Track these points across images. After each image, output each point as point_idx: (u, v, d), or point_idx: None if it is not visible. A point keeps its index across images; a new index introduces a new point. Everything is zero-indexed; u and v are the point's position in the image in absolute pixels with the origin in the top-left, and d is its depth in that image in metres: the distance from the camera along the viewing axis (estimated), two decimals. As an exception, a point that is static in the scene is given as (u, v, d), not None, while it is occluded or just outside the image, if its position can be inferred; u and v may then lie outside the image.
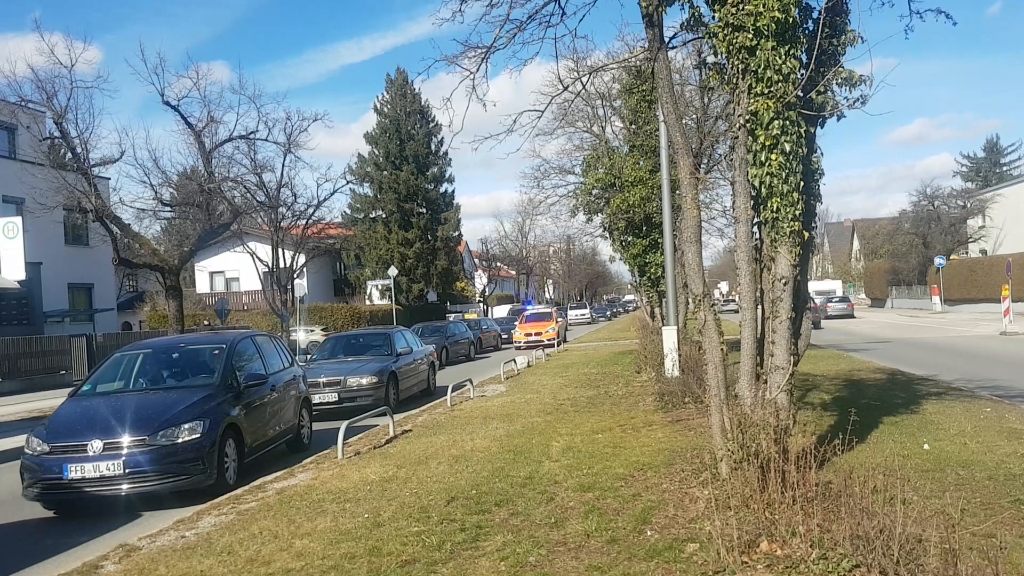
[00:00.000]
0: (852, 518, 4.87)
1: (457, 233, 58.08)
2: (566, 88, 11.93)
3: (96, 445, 8.37)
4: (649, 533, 5.98)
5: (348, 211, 54.03)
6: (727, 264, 70.73)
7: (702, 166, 20.70)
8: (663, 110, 8.92)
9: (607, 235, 22.23)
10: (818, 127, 7.39)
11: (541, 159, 32.38)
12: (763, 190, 6.90)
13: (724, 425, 6.85)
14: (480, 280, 69.28)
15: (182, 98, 23.66)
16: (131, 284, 53.34)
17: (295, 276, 36.29)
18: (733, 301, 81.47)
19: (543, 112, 11.30)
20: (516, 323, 40.13)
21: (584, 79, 13.66)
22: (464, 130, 9.58)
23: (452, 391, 15.73)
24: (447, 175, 56.59)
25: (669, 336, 15.19)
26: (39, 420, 12.44)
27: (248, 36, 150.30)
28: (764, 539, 5.22)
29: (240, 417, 9.63)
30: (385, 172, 52.98)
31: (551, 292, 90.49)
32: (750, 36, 6.71)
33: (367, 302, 50.58)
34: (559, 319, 39.92)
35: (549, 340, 34.74)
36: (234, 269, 48.25)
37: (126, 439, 8.45)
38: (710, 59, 7.61)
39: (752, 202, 7.10)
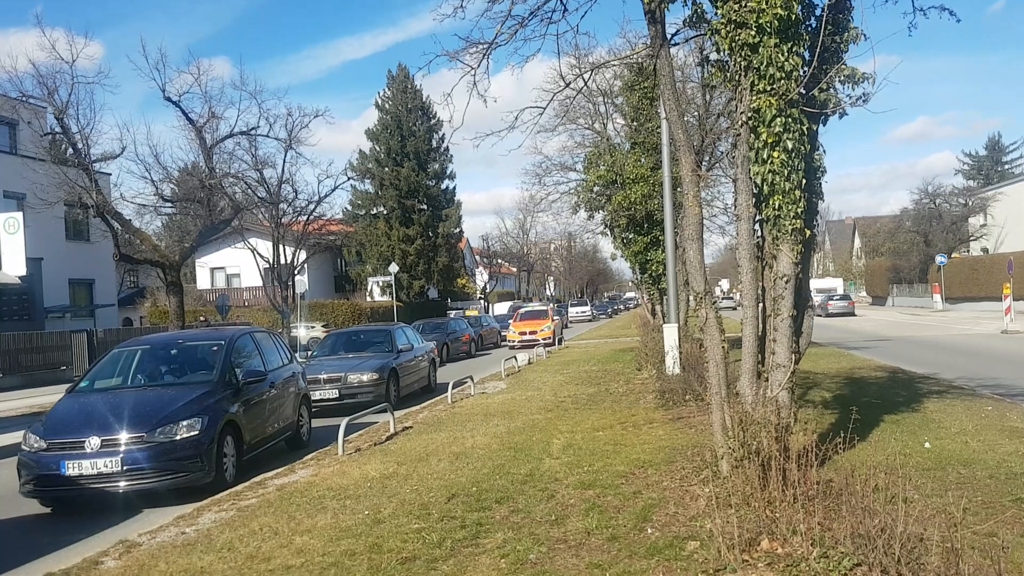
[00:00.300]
0: (853, 516, 4.85)
1: (458, 230, 58.09)
2: (568, 85, 11.94)
3: (94, 442, 8.33)
4: (650, 531, 5.97)
5: (349, 207, 54.03)
6: (728, 262, 70.72)
7: (704, 163, 20.67)
8: (665, 107, 8.90)
9: (608, 232, 22.22)
10: (820, 124, 7.36)
11: (543, 156, 32.28)
12: (765, 188, 6.88)
13: (725, 423, 6.84)
14: (481, 277, 69.27)
15: (183, 94, 23.68)
16: (132, 280, 53.38)
17: (296, 272, 36.25)
18: (730, 298, 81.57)
19: (545, 109, 11.32)
20: (510, 321, 38.15)
21: (586, 76, 13.66)
22: (465, 127, 9.60)
23: (453, 388, 15.73)
24: (448, 172, 56.64)
25: (670, 333, 15.17)
26: (39, 416, 12.43)
27: (249, 32, 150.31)
28: (765, 537, 5.21)
29: (239, 414, 9.59)
30: (386, 168, 52.97)
31: (552, 289, 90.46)
32: (753, 33, 6.69)
33: (368, 299, 50.56)
34: (555, 317, 38.35)
35: (545, 339, 32.98)
36: (235, 265, 48.21)
37: (124, 436, 8.40)
38: (712, 56, 7.58)
39: (754, 200, 7.08)
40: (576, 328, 53.11)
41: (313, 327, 36.87)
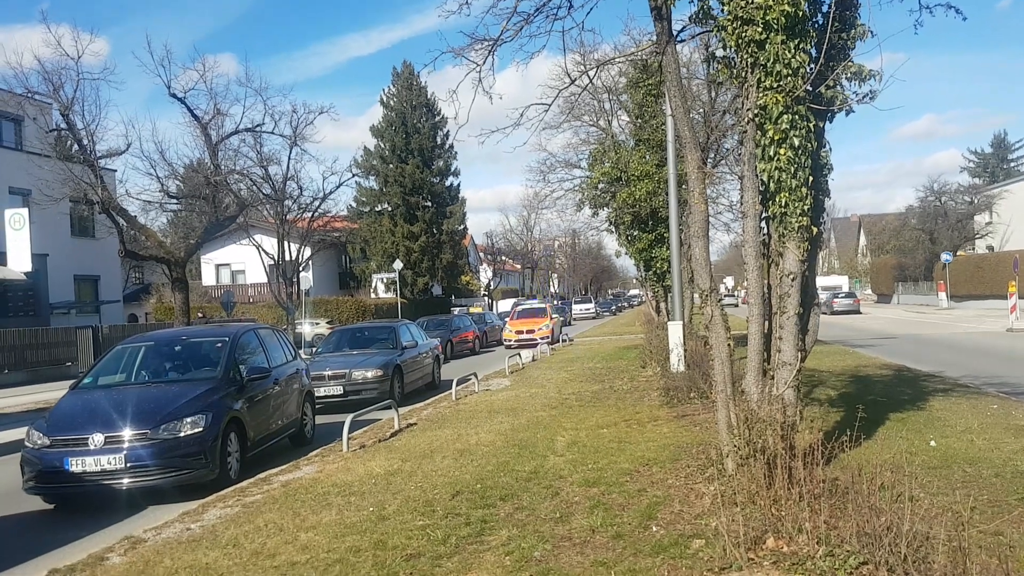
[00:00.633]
0: (859, 515, 4.83)
1: (462, 227, 58.08)
2: (573, 82, 11.89)
3: (97, 438, 8.33)
4: (654, 529, 5.95)
5: (354, 204, 54.11)
6: (733, 259, 70.52)
7: (709, 160, 20.63)
8: (671, 104, 8.87)
9: (613, 229, 22.17)
10: (827, 122, 7.33)
11: (547, 153, 32.38)
12: (771, 185, 6.85)
13: (730, 421, 6.82)
14: (485, 274, 69.21)
15: (188, 90, 23.65)
16: (137, 276, 53.51)
17: (301, 269, 36.31)
18: (733, 296, 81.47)
19: (550, 106, 11.28)
20: (506, 320, 36.90)
21: (591, 73, 13.61)
22: (470, 123, 9.60)
23: (457, 385, 15.73)
24: (453, 169, 56.67)
25: (675, 331, 15.15)
26: (44, 412, 12.45)
27: (255, 29, 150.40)
28: (770, 535, 5.19)
29: (243, 411, 9.59)
30: (391, 165, 52.98)
31: (556, 286, 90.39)
32: (759, 30, 6.66)
33: (372, 295, 50.61)
34: (554, 315, 37.24)
35: (543, 339, 31.35)
36: (240, 262, 48.27)
37: (128, 432, 8.39)
38: (719, 53, 7.54)
39: (760, 197, 7.05)
40: (580, 325, 53.08)
41: (318, 323, 36.95)
